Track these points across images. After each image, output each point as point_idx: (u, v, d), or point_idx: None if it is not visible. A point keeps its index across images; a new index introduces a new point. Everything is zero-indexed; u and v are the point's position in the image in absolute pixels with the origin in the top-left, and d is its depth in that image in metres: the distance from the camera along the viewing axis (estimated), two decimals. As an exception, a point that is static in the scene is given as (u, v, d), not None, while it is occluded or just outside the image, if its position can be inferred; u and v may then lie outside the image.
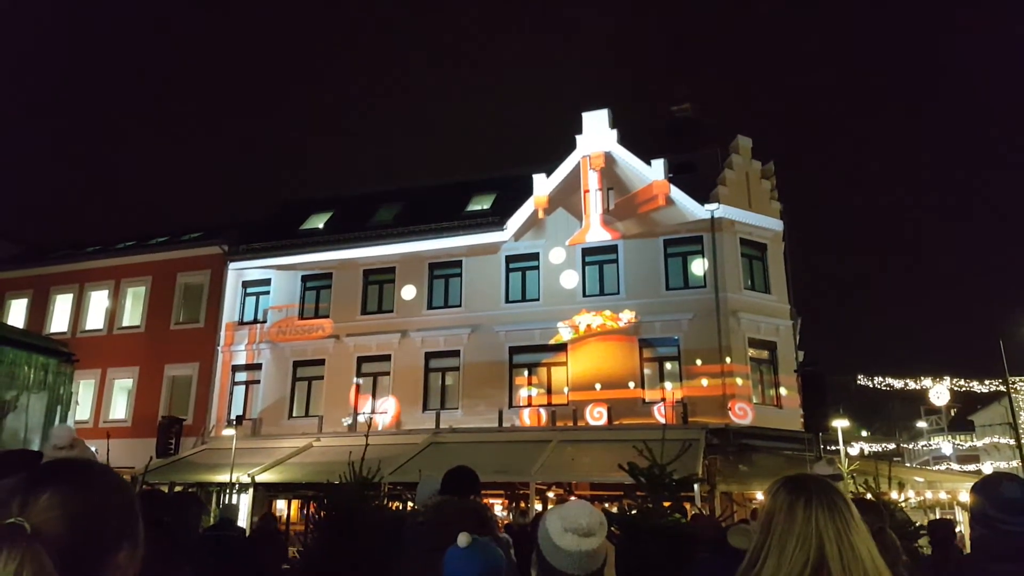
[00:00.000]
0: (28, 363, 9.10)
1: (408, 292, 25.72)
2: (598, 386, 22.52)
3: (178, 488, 19.65)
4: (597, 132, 25.15)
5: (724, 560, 2.05)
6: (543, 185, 25.09)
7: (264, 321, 27.23)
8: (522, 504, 19.52)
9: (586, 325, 23.36)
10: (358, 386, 24.89)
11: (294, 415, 25.83)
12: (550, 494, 21.30)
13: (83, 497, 1.32)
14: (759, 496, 16.91)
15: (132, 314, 29.41)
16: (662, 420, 20.15)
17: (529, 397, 23.62)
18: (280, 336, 26.70)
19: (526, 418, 22.99)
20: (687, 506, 11.78)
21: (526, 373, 23.98)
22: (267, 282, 27.69)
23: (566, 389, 23.09)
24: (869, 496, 8.04)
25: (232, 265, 28.21)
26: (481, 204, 27.11)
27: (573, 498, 20.82)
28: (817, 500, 1.89)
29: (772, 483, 2.03)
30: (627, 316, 23.02)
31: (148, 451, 21.47)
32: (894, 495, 9.70)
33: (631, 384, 22.45)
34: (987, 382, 32.79)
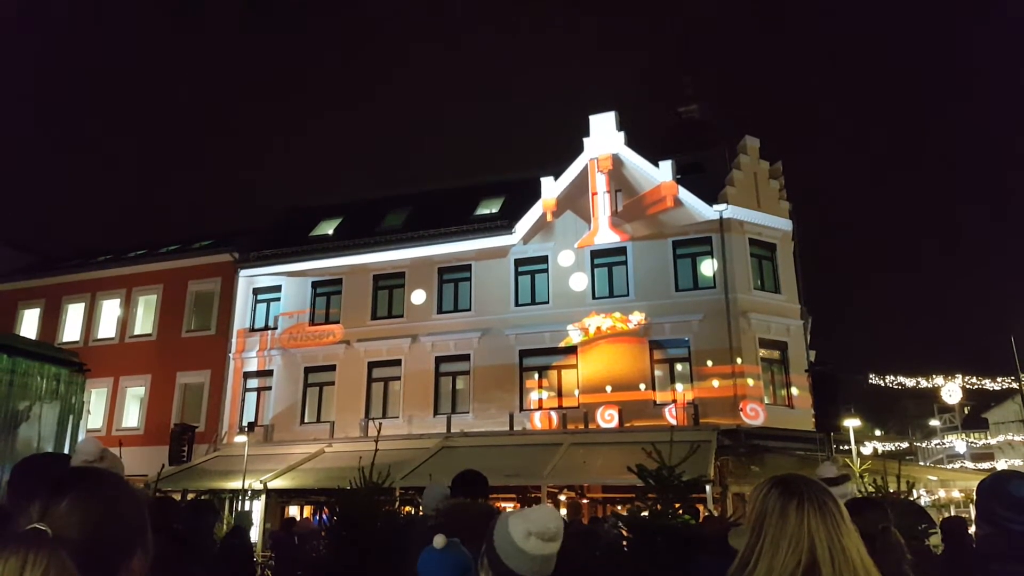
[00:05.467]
0: (40, 373, 9.15)
1: (418, 297, 25.75)
2: (609, 388, 22.48)
3: (191, 495, 19.70)
4: (604, 134, 25.13)
5: (725, 560, 2.06)
6: (551, 188, 25.07)
7: (275, 328, 27.30)
8: (534, 507, 19.49)
9: (596, 327, 23.33)
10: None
11: (306, 421, 25.88)
12: (561, 497, 21.29)
13: (100, 504, 1.36)
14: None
15: (144, 322, 29.51)
16: (673, 422, 20.11)
17: (540, 400, 23.59)
18: (291, 342, 26.78)
19: (537, 421, 22.99)
20: (700, 507, 11.77)
21: (536, 376, 23.94)
22: (277, 289, 27.77)
23: (577, 392, 23.05)
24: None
25: (243, 272, 28.29)
26: (489, 208, 27.12)
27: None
28: (809, 502, 1.89)
29: (761, 483, 2.03)
30: (637, 318, 22.99)
31: (161, 459, 21.52)
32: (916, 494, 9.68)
33: (642, 386, 22.40)
34: (1000, 380, 32.65)
